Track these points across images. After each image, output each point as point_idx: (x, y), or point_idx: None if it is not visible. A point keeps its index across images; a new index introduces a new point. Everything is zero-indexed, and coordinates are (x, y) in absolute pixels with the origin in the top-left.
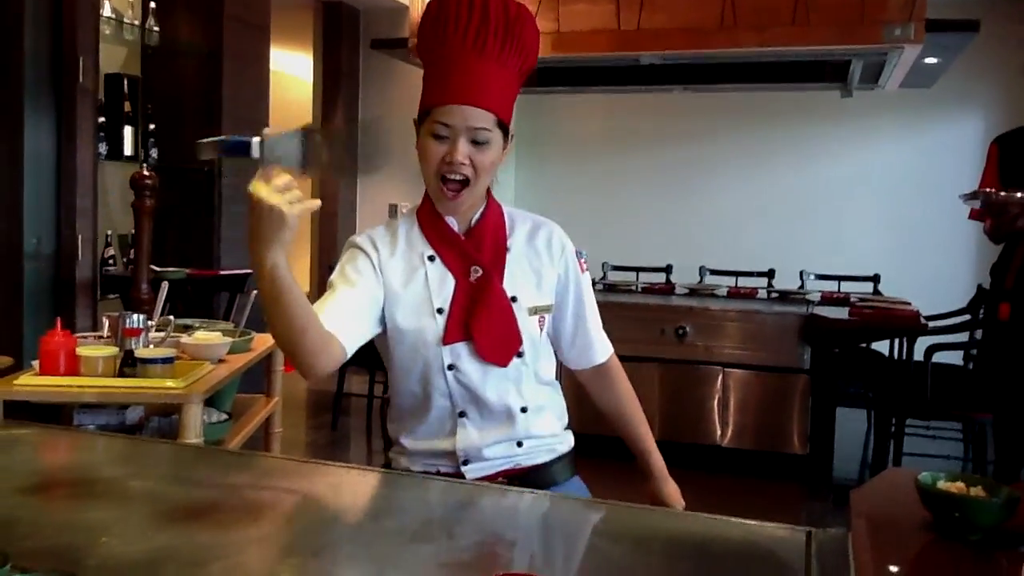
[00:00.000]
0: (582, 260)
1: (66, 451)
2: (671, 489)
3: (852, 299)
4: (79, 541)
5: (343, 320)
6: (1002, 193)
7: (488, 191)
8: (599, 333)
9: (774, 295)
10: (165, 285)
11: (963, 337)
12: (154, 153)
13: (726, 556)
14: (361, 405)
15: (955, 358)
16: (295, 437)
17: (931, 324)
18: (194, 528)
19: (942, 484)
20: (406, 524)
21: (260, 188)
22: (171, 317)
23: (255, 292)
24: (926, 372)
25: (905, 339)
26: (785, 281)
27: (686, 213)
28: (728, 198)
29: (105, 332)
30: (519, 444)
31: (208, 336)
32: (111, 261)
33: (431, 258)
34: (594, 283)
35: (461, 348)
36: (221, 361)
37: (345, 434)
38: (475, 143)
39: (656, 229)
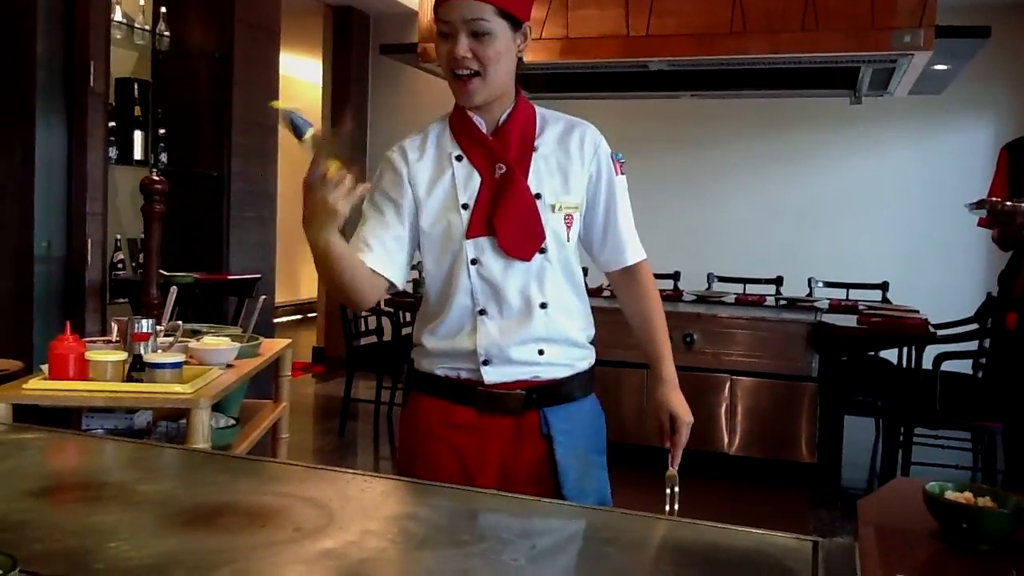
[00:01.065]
0: (618, 162)
1: (74, 455)
2: (678, 399)
3: (860, 307)
4: (88, 544)
5: (385, 259)
6: (1008, 203)
7: (519, 91)
8: (631, 235)
9: (782, 302)
10: (174, 290)
11: (972, 346)
12: (164, 157)
13: (733, 565)
14: (369, 410)
15: (964, 367)
16: (302, 442)
17: (940, 332)
18: (202, 533)
19: (950, 494)
20: (413, 530)
21: (315, 182)
22: (180, 322)
23: (263, 297)
24: (935, 381)
25: (914, 347)
26: (793, 288)
27: (694, 219)
28: (736, 205)
29: (114, 336)
30: (540, 352)
31: (216, 341)
32: (120, 265)
33: (458, 158)
34: (599, 291)
35: (484, 242)
36: (229, 366)
37: (352, 440)
38: (475, 35)
39: (664, 235)
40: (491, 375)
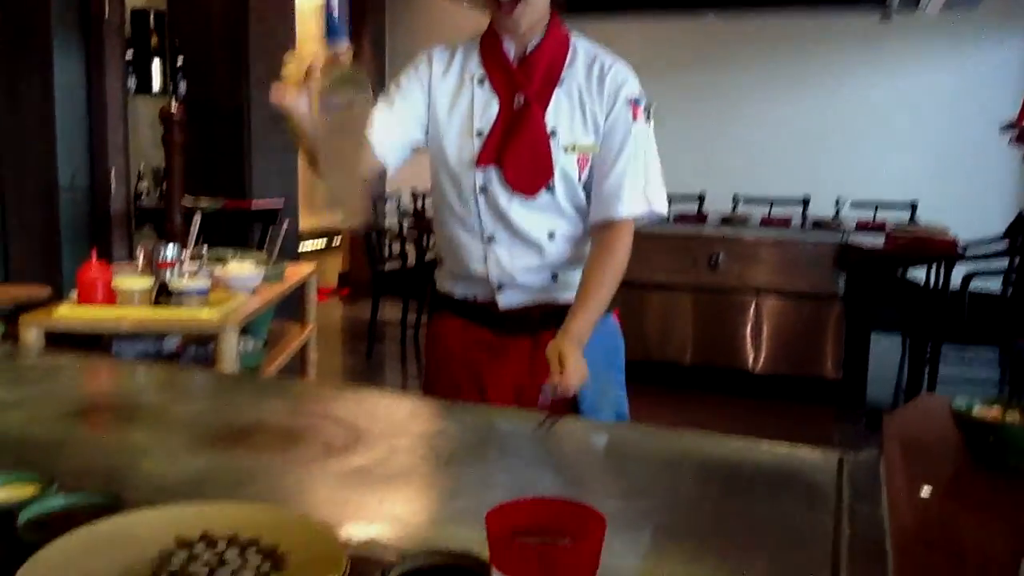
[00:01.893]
0: (640, 107)
1: (106, 378)
2: (572, 349)
3: (888, 227)
4: (122, 464)
5: (382, 137)
6: None
7: (555, 18)
8: (632, 191)
9: (809, 223)
10: (198, 217)
11: (1002, 264)
12: (183, 87)
13: (757, 479)
14: (395, 333)
15: (993, 286)
16: (331, 365)
17: (968, 251)
18: (233, 451)
19: (977, 409)
20: (439, 447)
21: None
22: (205, 248)
23: (287, 223)
24: (963, 298)
25: (942, 266)
26: (821, 209)
27: (720, 141)
28: (763, 125)
29: (140, 263)
30: (554, 277)
31: (241, 267)
32: (144, 194)
33: (480, 81)
34: None
35: (492, 172)
36: (255, 291)
37: (380, 361)
38: None
39: (690, 157)
40: (505, 299)
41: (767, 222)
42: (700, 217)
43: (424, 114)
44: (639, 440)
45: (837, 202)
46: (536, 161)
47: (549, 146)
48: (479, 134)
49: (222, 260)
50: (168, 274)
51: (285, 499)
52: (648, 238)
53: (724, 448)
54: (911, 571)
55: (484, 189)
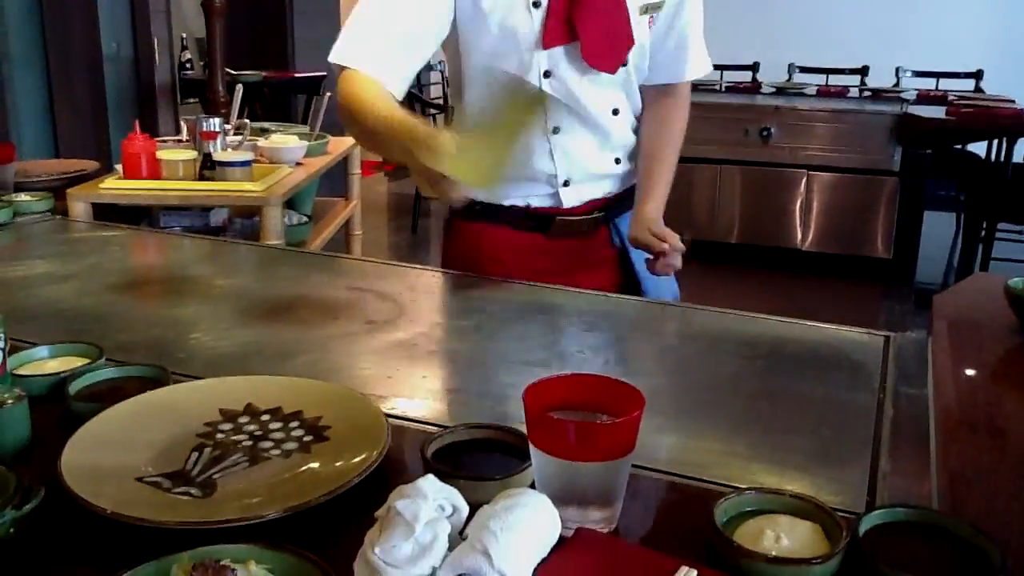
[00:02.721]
0: None
1: (153, 251)
2: (658, 226)
3: (951, 97)
4: (170, 335)
5: (385, 62)
6: None
7: None
8: (697, 50)
9: (867, 94)
10: (240, 88)
11: None
12: None
13: (802, 358)
14: (441, 209)
15: None
16: (376, 239)
17: None
18: (278, 324)
19: None
20: (483, 323)
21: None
22: (247, 120)
23: (329, 95)
24: None
25: (1005, 140)
26: (880, 79)
27: (775, 6)
28: None
29: (184, 136)
30: (616, 161)
31: (285, 139)
32: (189, 65)
33: None
34: None
35: (560, 51)
36: (299, 164)
37: (425, 237)
38: None
39: (743, 25)
40: (570, 197)
41: (823, 92)
42: (753, 87)
43: (445, 9)
44: (684, 318)
45: (897, 72)
46: (616, 27)
47: (627, 8)
48: (536, 5)
49: (265, 132)
50: (211, 146)
51: (328, 373)
52: (696, 107)
53: (768, 328)
54: (954, 453)
55: (549, 73)
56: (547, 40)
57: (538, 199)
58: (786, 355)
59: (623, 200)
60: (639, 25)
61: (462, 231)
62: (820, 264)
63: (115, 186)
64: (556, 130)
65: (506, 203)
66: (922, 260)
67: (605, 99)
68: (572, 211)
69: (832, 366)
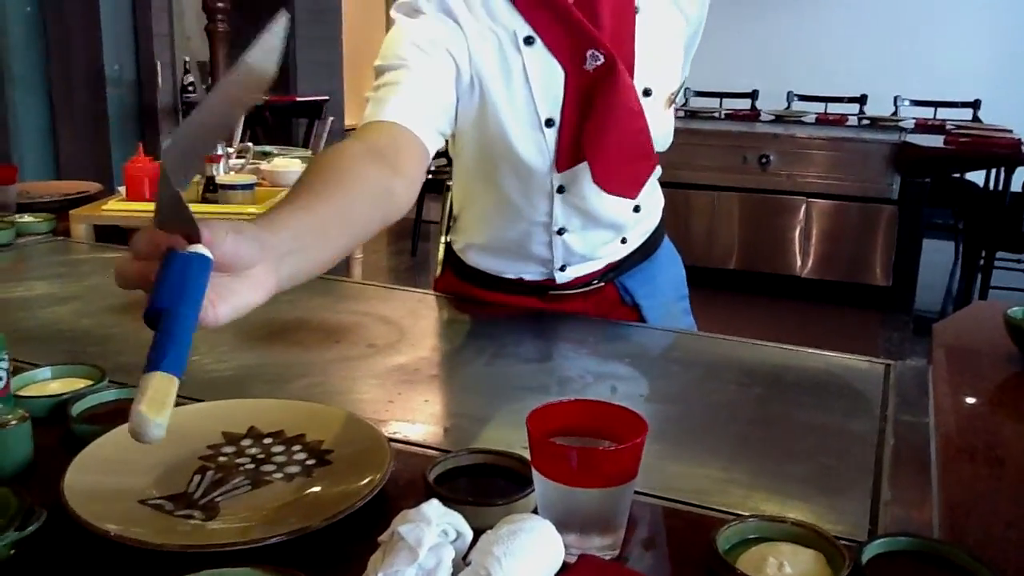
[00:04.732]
0: None
1: None
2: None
3: (948, 126)
4: None
5: (423, 119)
6: None
7: None
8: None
9: (865, 122)
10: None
11: None
12: None
13: (802, 386)
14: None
15: None
16: (376, 263)
17: None
18: (278, 348)
19: None
20: (484, 348)
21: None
22: (250, 143)
23: (331, 119)
24: (1022, 203)
25: (1003, 169)
26: (878, 107)
27: (774, 35)
28: (819, 18)
29: None
30: (623, 241)
31: (287, 163)
32: (191, 88)
33: (528, 40)
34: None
35: (576, 172)
36: None
37: (424, 260)
38: None
39: (741, 52)
40: (566, 276)
41: (822, 120)
42: (752, 114)
43: (453, 89)
44: (684, 345)
45: (895, 101)
46: (635, 148)
47: (646, 122)
48: (550, 124)
49: (267, 156)
50: (214, 169)
51: (330, 396)
52: (695, 134)
53: (769, 355)
54: (953, 481)
55: (563, 189)
56: (561, 163)
57: (531, 275)
58: (786, 383)
59: (629, 260)
60: (666, 117)
61: (447, 285)
62: (819, 291)
63: (118, 208)
64: (562, 231)
65: (497, 275)
66: (921, 288)
67: (626, 203)
68: (569, 284)
69: (833, 394)
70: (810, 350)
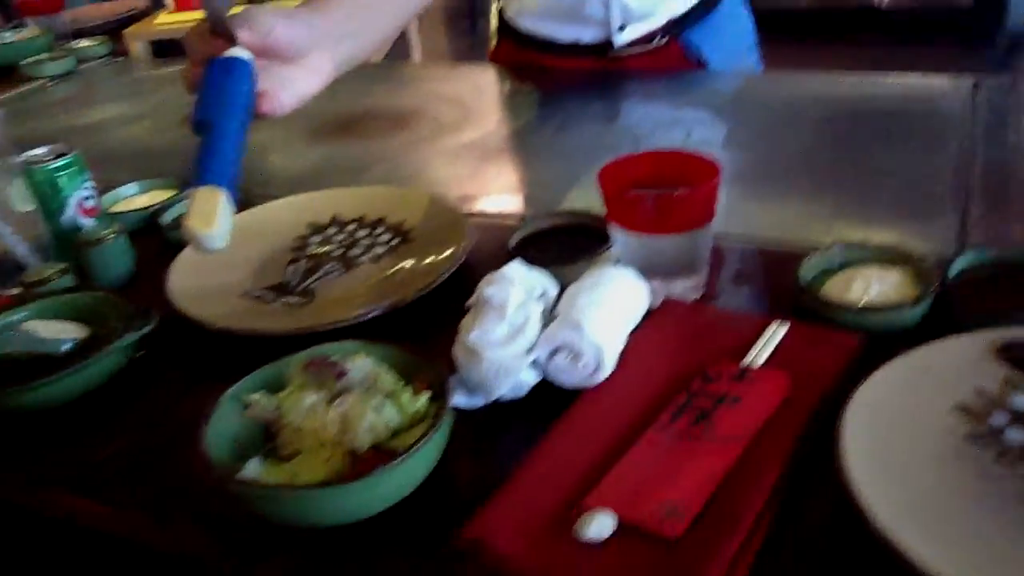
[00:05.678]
0: None
1: None
2: None
3: None
4: (245, 162)
5: None
6: None
7: None
8: None
9: None
10: None
11: None
12: None
13: (887, 112)
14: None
15: None
16: (434, 44)
17: None
18: (349, 139)
19: None
20: (550, 116)
21: None
22: None
23: None
24: None
25: None
26: None
27: None
28: None
29: None
30: None
31: None
32: None
33: None
34: None
35: None
36: None
37: (484, 36)
38: None
39: None
40: (625, 38)
41: None
42: None
43: None
44: (767, 87)
45: None
46: None
47: None
48: None
49: None
50: None
51: (404, 180)
52: None
53: (846, 88)
54: None
55: None
56: None
57: (590, 36)
58: (867, 113)
59: (694, 10)
60: None
61: (500, 54)
62: (900, 21)
63: (170, 20)
64: None
65: (552, 38)
66: (1013, 3)
67: None
68: (630, 44)
69: (918, 117)
70: (890, 77)
